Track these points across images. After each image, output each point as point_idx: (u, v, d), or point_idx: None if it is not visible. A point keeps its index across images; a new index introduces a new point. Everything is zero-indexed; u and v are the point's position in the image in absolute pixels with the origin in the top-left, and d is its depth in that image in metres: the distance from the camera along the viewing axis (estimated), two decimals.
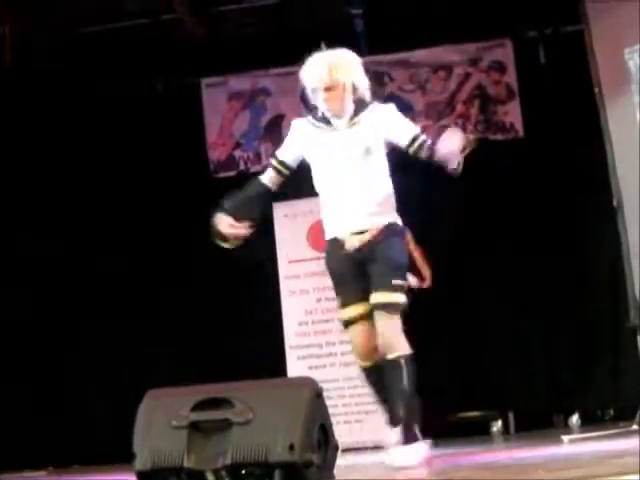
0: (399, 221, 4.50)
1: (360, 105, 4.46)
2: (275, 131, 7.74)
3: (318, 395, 3.05)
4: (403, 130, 4.45)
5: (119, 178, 7.78)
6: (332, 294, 4.62)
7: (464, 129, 7.66)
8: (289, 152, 4.57)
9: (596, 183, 6.98)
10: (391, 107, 4.51)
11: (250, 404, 2.95)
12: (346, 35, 6.98)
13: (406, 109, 7.64)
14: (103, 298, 7.67)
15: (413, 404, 4.32)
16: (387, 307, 4.33)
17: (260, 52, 7.73)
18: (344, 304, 4.47)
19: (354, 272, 4.42)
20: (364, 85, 4.47)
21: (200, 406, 3.02)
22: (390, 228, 4.44)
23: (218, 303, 7.60)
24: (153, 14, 7.60)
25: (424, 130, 7.93)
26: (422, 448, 4.24)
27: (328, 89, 4.38)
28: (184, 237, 7.66)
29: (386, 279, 4.35)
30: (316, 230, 6.29)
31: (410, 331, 4.39)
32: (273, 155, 4.64)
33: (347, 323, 4.47)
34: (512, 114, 7.64)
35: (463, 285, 7.48)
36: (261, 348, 7.35)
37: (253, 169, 7.83)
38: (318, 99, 4.44)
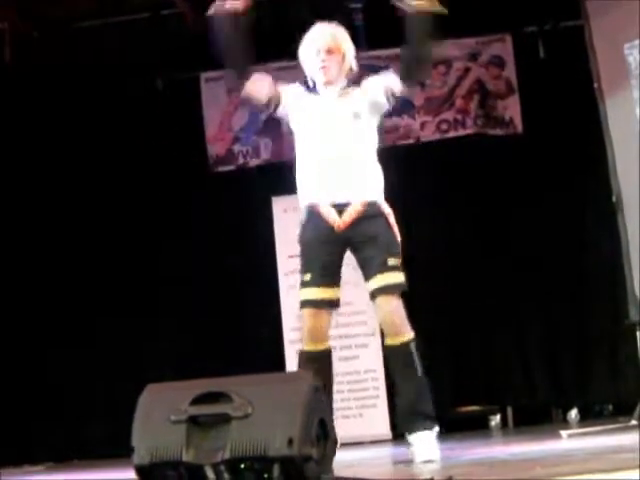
0: (382, 200, 4.40)
1: (349, 82, 4.54)
2: (274, 125, 7.71)
3: (317, 389, 3.04)
4: (376, 83, 4.51)
5: (119, 172, 7.77)
6: None
7: (463, 124, 7.68)
8: (288, 93, 4.57)
9: (595, 179, 6.98)
10: (374, 77, 4.56)
11: (249, 398, 2.95)
12: (345, 29, 6.98)
13: (405, 104, 7.64)
14: (102, 294, 7.67)
15: (425, 390, 4.27)
16: (388, 289, 4.22)
17: (259, 46, 7.70)
18: (314, 284, 4.27)
19: (332, 250, 4.31)
20: (354, 64, 4.57)
21: (199, 400, 3.02)
22: (374, 206, 4.35)
23: (217, 298, 7.60)
24: (153, 8, 7.59)
25: (423, 126, 7.96)
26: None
27: (330, 51, 4.48)
28: (183, 231, 7.66)
29: (381, 260, 4.24)
30: None
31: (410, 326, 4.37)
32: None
33: (309, 304, 4.29)
34: (511, 109, 7.64)
35: (462, 281, 7.48)
36: (260, 343, 7.36)
37: (252, 163, 7.84)
38: (316, 64, 4.50)
